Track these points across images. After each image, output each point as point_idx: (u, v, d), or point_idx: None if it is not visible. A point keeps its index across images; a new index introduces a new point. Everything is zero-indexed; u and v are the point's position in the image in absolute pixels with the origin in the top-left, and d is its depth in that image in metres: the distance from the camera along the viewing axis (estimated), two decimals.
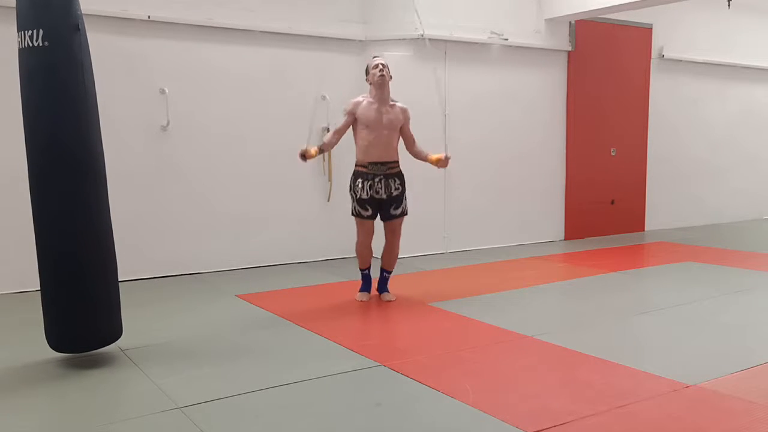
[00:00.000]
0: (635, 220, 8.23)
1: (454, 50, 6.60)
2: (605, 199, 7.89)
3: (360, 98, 4.57)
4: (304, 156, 4.40)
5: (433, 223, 6.61)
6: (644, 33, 8.03)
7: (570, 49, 7.35)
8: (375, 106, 4.49)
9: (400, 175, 4.57)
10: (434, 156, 4.56)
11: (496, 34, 6.76)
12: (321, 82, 6.14)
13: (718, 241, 7.51)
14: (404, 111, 4.61)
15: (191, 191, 5.66)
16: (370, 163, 4.47)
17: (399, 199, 4.56)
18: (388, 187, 4.50)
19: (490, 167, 6.94)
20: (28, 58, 3.13)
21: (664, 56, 8.24)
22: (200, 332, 4.00)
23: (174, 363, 3.40)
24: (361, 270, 4.78)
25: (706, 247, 7.01)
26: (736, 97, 9.13)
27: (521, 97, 7.11)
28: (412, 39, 6.29)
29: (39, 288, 3.32)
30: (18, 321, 4.24)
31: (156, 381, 3.14)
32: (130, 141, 5.36)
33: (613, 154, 7.87)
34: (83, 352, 3.42)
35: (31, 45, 3.10)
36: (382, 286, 4.79)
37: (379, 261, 4.78)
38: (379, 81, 4.46)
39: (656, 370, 3.22)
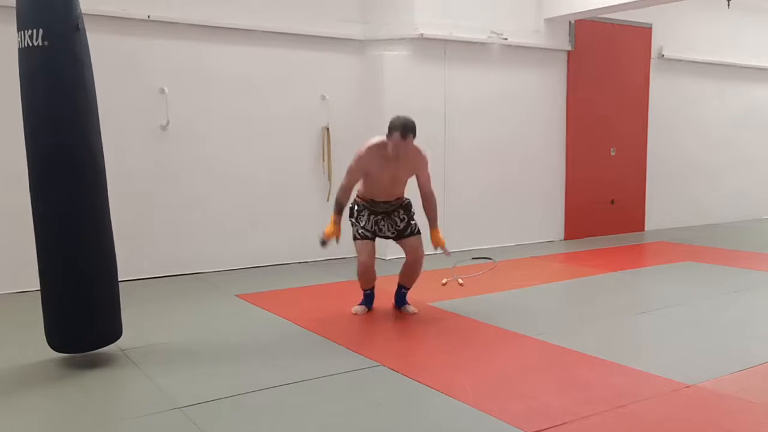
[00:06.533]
0: (635, 220, 8.24)
1: (453, 50, 6.59)
2: (605, 199, 7.89)
3: (367, 150, 4.08)
4: (325, 242, 4.10)
5: None
6: (644, 33, 8.04)
7: (570, 48, 7.35)
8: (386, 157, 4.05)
9: (404, 207, 4.27)
10: (437, 236, 4.27)
11: (495, 33, 6.76)
12: (321, 81, 6.16)
13: (718, 241, 7.51)
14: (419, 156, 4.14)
15: (191, 190, 5.66)
16: (372, 200, 4.21)
17: (406, 228, 4.25)
18: (393, 223, 4.23)
19: (489, 167, 6.94)
20: (28, 57, 3.13)
21: (664, 56, 8.24)
22: (200, 332, 4.00)
23: (174, 363, 3.40)
24: (363, 290, 4.34)
25: (706, 247, 7.01)
26: (735, 97, 9.13)
27: (521, 97, 7.11)
28: (411, 39, 6.30)
29: (39, 288, 3.31)
30: (18, 321, 4.24)
31: (156, 381, 3.14)
32: (130, 141, 5.36)
33: (612, 153, 7.88)
34: (83, 352, 3.41)
35: (31, 45, 3.09)
36: (401, 301, 4.38)
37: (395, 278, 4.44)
38: (394, 152, 3.99)
39: (656, 370, 3.22)
